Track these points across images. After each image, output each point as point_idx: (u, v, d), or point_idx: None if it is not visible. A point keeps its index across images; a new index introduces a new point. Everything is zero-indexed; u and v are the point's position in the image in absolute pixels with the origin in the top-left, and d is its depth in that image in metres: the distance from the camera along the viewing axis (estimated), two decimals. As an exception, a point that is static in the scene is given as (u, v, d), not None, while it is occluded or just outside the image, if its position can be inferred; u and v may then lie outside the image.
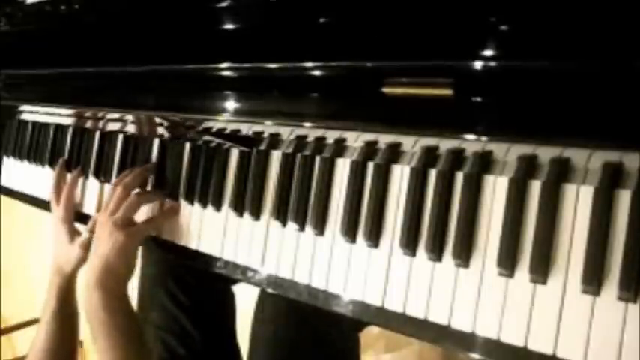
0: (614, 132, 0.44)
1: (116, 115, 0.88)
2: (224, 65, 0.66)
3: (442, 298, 0.53)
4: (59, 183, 0.94)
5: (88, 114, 0.95)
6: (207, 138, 0.76)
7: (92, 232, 0.84)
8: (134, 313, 0.76)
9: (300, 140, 0.67)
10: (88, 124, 0.96)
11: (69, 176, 0.95)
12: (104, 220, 0.75)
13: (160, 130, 0.84)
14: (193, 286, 0.91)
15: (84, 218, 0.93)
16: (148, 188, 0.83)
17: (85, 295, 0.73)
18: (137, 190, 0.80)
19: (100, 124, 0.94)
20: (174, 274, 0.90)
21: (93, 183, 0.93)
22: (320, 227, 0.63)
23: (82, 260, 0.87)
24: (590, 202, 0.47)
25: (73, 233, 0.90)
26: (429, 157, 0.56)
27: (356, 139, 0.62)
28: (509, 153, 0.52)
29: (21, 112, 1.13)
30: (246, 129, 0.71)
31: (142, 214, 0.80)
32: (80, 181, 0.94)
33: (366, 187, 0.60)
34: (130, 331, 0.72)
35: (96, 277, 0.72)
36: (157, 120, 0.83)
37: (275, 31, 0.62)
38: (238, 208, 0.71)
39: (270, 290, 0.68)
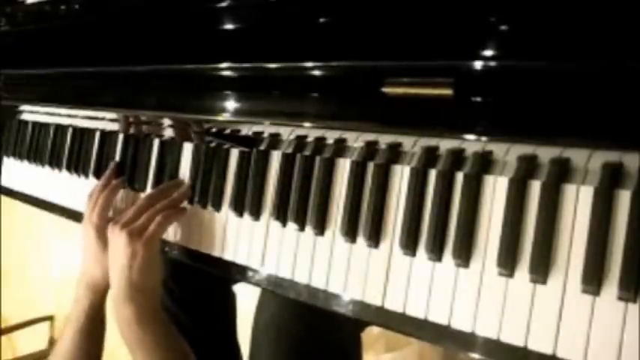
0: (614, 132, 0.44)
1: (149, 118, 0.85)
2: (224, 65, 0.66)
3: (442, 298, 0.53)
4: (103, 189, 0.84)
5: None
6: (207, 138, 0.76)
7: None
8: (170, 326, 0.73)
9: (300, 140, 0.67)
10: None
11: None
12: (118, 230, 0.71)
13: (161, 130, 0.84)
14: (193, 286, 0.91)
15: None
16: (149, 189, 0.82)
17: (115, 312, 0.70)
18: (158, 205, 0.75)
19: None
20: (174, 273, 0.90)
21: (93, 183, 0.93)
22: (320, 227, 0.63)
23: None
24: (590, 202, 0.47)
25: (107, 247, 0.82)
26: (429, 157, 0.56)
27: (356, 139, 0.62)
28: (509, 153, 0.52)
29: (21, 112, 1.14)
30: (246, 129, 0.71)
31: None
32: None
33: (366, 187, 0.60)
34: (167, 345, 0.70)
35: (124, 293, 0.69)
36: (158, 120, 0.83)
37: (275, 31, 0.62)
38: (238, 208, 0.71)
39: (270, 290, 0.68)
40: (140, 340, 0.69)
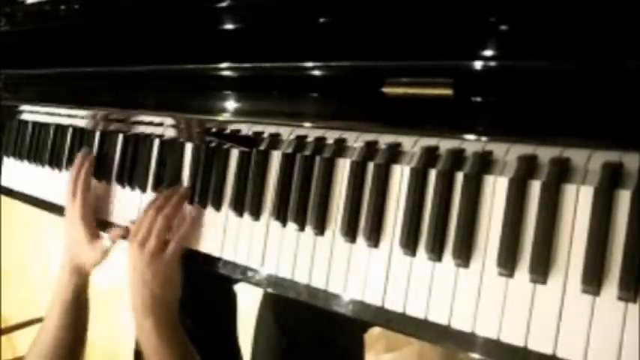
0: (614, 132, 0.44)
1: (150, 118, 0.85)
2: (224, 65, 0.66)
3: (442, 298, 0.53)
4: (77, 177, 0.88)
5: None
6: (207, 138, 0.76)
7: (114, 241, 0.82)
8: (188, 343, 0.74)
9: (300, 140, 0.67)
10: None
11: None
12: (137, 251, 0.72)
13: (161, 130, 0.84)
14: (194, 286, 0.91)
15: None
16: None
17: (136, 323, 0.72)
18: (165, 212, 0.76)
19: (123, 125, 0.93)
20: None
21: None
22: (320, 227, 0.63)
23: (102, 260, 0.84)
24: (590, 202, 0.47)
25: (94, 233, 0.85)
26: (429, 157, 0.56)
27: (356, 139, 0.62)
28: (509, 153, 0.52)
29: (21, 112, 1.13)
30: (246, 129, 0.71)
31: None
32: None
33: (366, 187, 0.60)
34: (182, 356, 0.71)
35: (145, 306, 0.71)
36: (158, 120, 0.83)
37: (275, 31, 0.62)
38: (238, 208, 0.71)
39: (270, 290, 0.68)
40: (157, 351, 0.70)
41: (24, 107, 1.11)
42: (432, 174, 0.56)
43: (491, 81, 0.48)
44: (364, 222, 0.59)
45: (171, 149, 0.81)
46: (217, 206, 0.73)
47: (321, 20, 0.57)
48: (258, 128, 0.70)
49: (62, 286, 0.85)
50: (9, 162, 1.16)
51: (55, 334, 0.83)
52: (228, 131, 0.73)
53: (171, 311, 0.73)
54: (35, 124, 1.10)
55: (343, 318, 0.61)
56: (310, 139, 0.66)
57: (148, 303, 0.71)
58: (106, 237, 0.84)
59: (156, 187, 0.82)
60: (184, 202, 0.77)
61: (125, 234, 0.79)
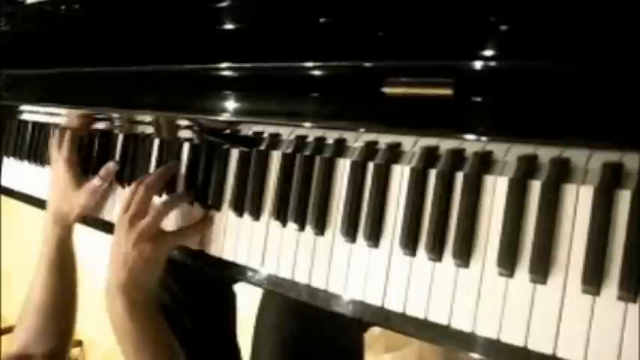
0: (614, 132, 0.44)
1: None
2: (224, 65, 0.66)
3: (442, 298, 0.53)
4: (64, 134, 0.89)
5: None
6: (207, 138, 0.76)
7: (104, 180, 0.82)
8: (163, 323, 0.73)
9: (300, 140, 0.67)
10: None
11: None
12: (127, 226, 0.70)
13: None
14: (194, 286, 0.91)
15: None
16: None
17: (108, 302, 0.70)
18: (165, 197, 0.76)
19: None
20: (174, 273, 0.90)
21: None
22: (320, 227, 0.63)
23: (87, 208, 0.84)
24: (590, 202, 0.47)
25: (79, 179, 0.85)
26: (429, 157, 0.56)
27: (356, 139, 0.62)
28: (509, 153, 0.52)
29: (21, 112, 1.13)
30: (246, 129, 0.71)
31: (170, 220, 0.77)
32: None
33: (366, 187, 0.60)
34: (154, 339, 0.70)
35: (119, 284, 0.69)
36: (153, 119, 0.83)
37: (275, 31, 0.62)
38: (238, 208, 0.71)
39: (270, 290, 0.68)
40: (128, 332, 0.69)
41: (24, 107, 1.11)
42: (432, 174, 0.56)
43: (492, 81, 0.48)
44: (364, 222, 0.59)
45: (170, 149, 0.81)
46: (217, 206, 0.73)
47: (321, 20, 0.57)
48: (258, 128, 0.70)
49: (45, 240, 0.84)
50: (9, 162, 1.16)
51: (42, 297, 0.82)
52: (228, 131, 0.73)
53: (147, 295, 0.70)
54: (35, 124, 1.10)
55: (342, 318, 0.61)
56: (310, 139, 0.66)
57: (123, 283, 0.69)
58: (96, 178, 0.84)
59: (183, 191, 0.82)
60: (167, 174, 0.76)
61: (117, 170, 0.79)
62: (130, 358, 0.70)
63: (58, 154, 0.88)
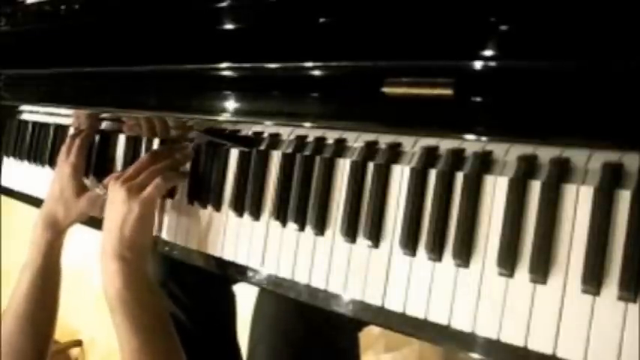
0: (614, 132, 0.44)
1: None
2: (224, 65, 0.66)
3: (442, 298, 0.53)
4: (74, 140, 0.89)
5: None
6: (207, 138, 0.76)
7: (106, 188, 0.80)
8: (158, 291, 0.71)
9: (300, 140, 0.67)
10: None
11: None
12: (118, 186, 0.71)
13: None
14: (193, 286, 0.92)
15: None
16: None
17: (101, 265, 0.69)
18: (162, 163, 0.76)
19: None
20: (174, 274, 0.90)
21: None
22: (320, 227, 0.63)
23: (83, 216, 0.84)
24: (590, 202, 0.47)
25: (81, 187, 0.85)
26: (429, 157, 0.57)
27: (356, 139, 0.62)
28: (509, 153, 0.52)
29: (21, 112, 1.13)
30: (246, 129, 0.71)
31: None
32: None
33: (366, 187, 0.60)
34: (147, 308, 0.68)
35: (113, 248, 0.69)
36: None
37: (275, 31, 0.62)
38: (238, 208, 0.71)
39: (270, 290, 0.68)
40: (121, 299, 0.67)
41: (24, 107, 1.11)
42: (432, 174, 0.56)
43: (492, 81, 0.48)
44: (364, 222, 0.59)
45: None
46: (217, 206, 0.73)
47: (321, 20, 0.57)
48: (258, 128, 0.70)
49: (33, 245, 0.83)
50: (9, 162, 1.16)
51: (23, 306, 0.80)
52: (228, 131, 0.73)
53: (140, 258, 0.70)
54: (35, 124, 1.10)
55: (339, 318, 0.61)
56: (310, 139, 0.66)
57: (116, 245, 0.69)
58: (89, 182, 0.84)
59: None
60: (184, 164, 0.77)
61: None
62: (126, 339, 0.65)
63: (66, 158, 0.87)
